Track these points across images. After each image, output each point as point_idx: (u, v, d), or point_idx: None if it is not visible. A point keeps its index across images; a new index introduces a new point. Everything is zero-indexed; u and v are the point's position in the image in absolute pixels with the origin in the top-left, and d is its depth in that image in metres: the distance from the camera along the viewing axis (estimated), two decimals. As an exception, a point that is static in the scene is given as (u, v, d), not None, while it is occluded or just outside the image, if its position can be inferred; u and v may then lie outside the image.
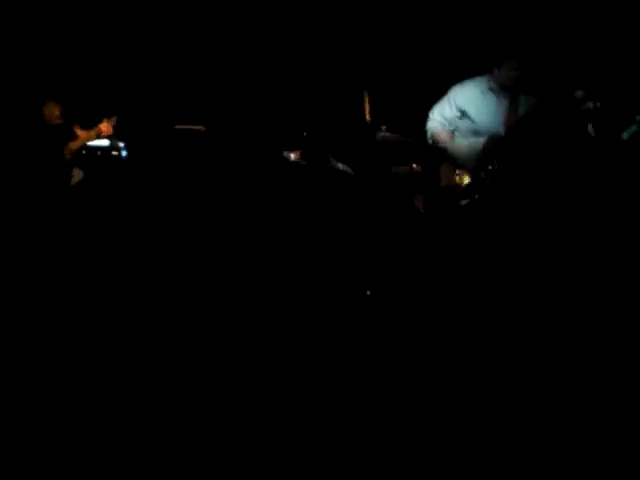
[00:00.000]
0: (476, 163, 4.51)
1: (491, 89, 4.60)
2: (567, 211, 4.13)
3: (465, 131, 4.66)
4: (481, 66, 4.68)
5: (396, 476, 1.97)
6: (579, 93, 4.71)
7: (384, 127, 5.32)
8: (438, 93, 4.80)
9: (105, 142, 4.82)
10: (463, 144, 4.66)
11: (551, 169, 4.27)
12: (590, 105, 4.68)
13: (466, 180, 4.58)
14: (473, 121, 4.61)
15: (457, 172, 4.63)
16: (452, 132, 4.69)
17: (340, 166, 5.06)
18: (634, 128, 4.52)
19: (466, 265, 4.08)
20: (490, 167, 4.39)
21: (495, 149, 4.48)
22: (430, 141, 4.78)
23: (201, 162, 4.72)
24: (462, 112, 4.63)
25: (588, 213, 4.09)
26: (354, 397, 2.18)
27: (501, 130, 4.56)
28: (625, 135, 4.52)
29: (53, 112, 4.54)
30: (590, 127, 4.44)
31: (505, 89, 4.57)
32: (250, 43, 5.38)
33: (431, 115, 4.77)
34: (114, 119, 4.68)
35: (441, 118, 4.72)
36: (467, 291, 3.60)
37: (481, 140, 4.57)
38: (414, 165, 5.19)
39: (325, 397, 2.14)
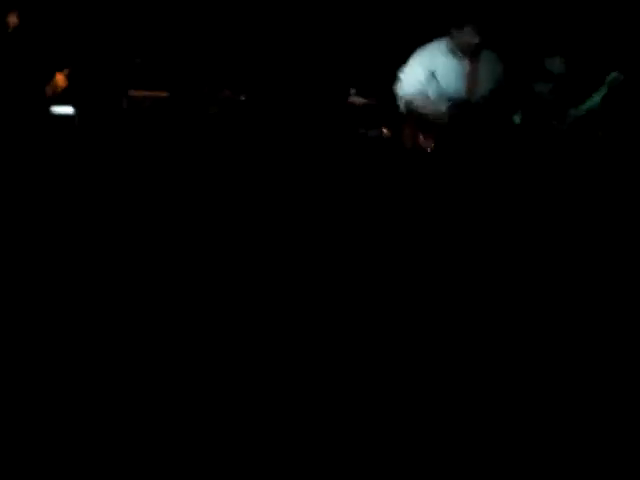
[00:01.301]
0: (440, 128, 4.51)
1: (452, 51, 4.59)
2: (534, 179, 4.15)
3: (434, 93, 4.64)
4: (442, 27, 4.66)
5: (396, 476, 1.98)
6: (548, 61, 4.73)
7: (353, 90, 5.30)
8: (403, 55, 4.75)
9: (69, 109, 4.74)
10: (435, 107, 4.62)
11: (515, 138, 4.29)
12: (556, 69, 4.70)
13: (430, 144, 4.58)
14: (440, 84, 4.59)
15: (422, 136, 4.61)
16: (427, 95, 4.65)
17: None
18: (604, 90, 4.54)
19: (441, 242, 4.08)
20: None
21: (458, 115, 4.48)
22: (402, 106, 4.73)
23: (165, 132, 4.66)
24: (432, 74, 4.59)
25: (556, 185, 4.12)
26: (354, 397, 2.17)
27: (463, 95, 4.55)
28: (596, 98, 4.53)
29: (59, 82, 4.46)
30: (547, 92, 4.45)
31: (465, 53, 4.56)
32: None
33: (403, 78, 4.68)
34: (67, 71, 4.60)
35: (414, 81, 4.64)
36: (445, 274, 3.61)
37: (446, 103, 4.56)
38: (384, 129, 5.17)
39: (325, 397, 2.13)
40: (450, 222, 4.11)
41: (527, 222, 3.94)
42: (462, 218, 4.10)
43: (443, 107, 4.55)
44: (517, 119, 4.69)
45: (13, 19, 4.54)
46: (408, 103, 4.63)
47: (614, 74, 4.48)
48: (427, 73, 4.59)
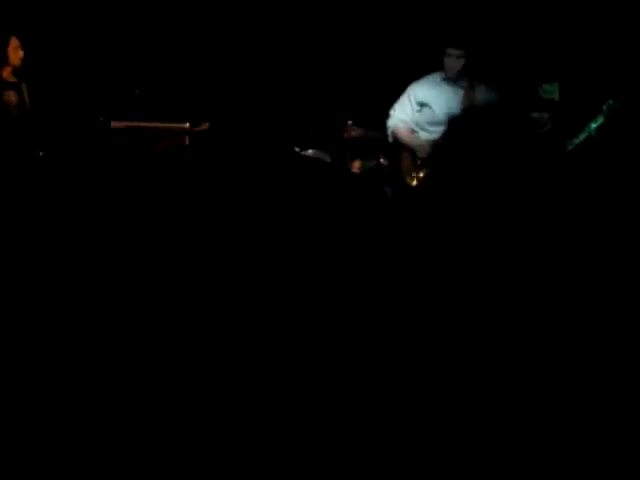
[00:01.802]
0: (435, 154, 4.52)
1: (445, 79, 4.67)
2: (530, 202, 4.10)
3: (425, 123, 4.73)
4: (437, 61, 4.73)
5: (396, 476, 1.94)
6: (545, 87, 4.74)
7: (350, 122, 5.34)
8: (401, 87, 4.83)
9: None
10: (423, 138, 4.68)
11: (511, 160, 4.25)
12: (554, 96, 4.70)
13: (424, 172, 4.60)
14: (433, 111, 4.67)
15: (417, 164, 4.65)
16: (412, 130, 4.73)
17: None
18: (601, 119, 4.52)
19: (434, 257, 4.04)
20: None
21: (454, 139, 4.47)
22: (391, 139, 4.83)
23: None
24: (421, 104, 4.69)
25: (552, 204, 4.06)
26: (354, 397, 2.14)
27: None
28: (592, 126, 4.52)
29: (12, 100, 4.45)
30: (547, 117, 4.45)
31: (460, 79, 4.63)
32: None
33: (392, 112, 4.83)
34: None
35: (401, 115, 4.79)
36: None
37: (441, 129, 4.58)
38: (382, 159, 5.20)
39: (325, 397, 2.10)
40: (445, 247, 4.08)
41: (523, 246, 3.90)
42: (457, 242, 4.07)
43: (436, 134, 4.58)
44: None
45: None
46: (394, 135, 4.73)
47: (610, 102, 4.48)
48: (417, 105, 4.69)
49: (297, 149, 5.28)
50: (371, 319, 2.52)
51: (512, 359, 2.39)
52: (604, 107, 4.49)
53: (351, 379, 2.15)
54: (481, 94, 4.62)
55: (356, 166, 5.25)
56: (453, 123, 4.31)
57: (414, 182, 4.60)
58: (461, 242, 2.94)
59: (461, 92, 4.63)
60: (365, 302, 2.57)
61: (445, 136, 4.54)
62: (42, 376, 2.13)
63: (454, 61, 4.58)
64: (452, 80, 4.63)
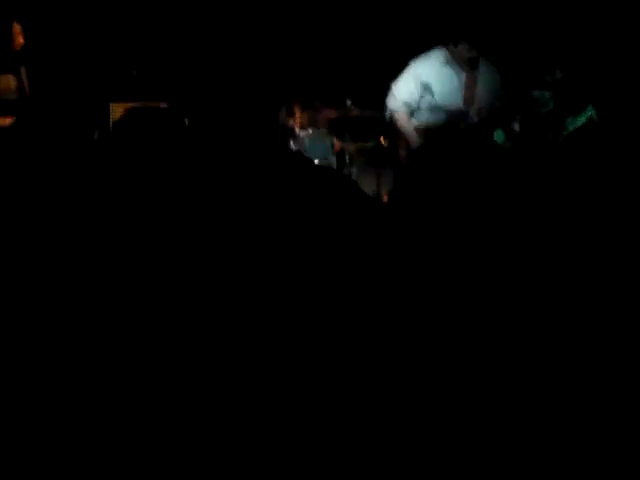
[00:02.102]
0: (430, 141, 4.48)
1: (449, 62, 4.55)
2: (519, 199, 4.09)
3: (426, 109, 4.59)
4: (438, 37, 4.63)
5: (396, 476, 1.96)
6: (546, 70, 4.70)
7: (349, 101, 5.31)
8: (401, 64, 4.72)
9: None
10: (419, 122, 4.59)
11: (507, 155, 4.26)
12: (554, 78, 4.66)
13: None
14: (434, 96, 4.55)
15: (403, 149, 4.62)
16: (412, 114, 4.61)
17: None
18: (583, 120, 4.46)
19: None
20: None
21: (457, 123, 4.46)
22: (388, 118, 4.72)
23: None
24: (425, 87, 4.55)
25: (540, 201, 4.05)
26: (354, 397, 2.15)
27: (461, 106, 4.53)
28: (569, 126, 4.47)
29: (10, 85, 4.44)
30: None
31: (463, 64, 4.52)
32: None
33: (395, 91, 4.65)
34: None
35: (405, 96, 4.60)
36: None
37: (443, 117, 4.53)
38: (382, 139, 5.17)
39: (325, 397, 2.10)
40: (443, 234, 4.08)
41: (521, 234, 3.90)
42: (455, 230, 4.06)
43: (440, 118, 4.53)
44: (516, 127, 4.65)
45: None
46: (391, 116, 4.62)
47: (591, 108, 4.43)
48: (420, 86, 4.55)
49: (296, 130, 5.26)
50: (370, 317, 2.53)
51: (512, 359, 2.40)
52: (588, 109, 4.44)
53: (351, 379, 2.16)
54: (484, 77, 4.54)
55: (355, 146, 5.23)
56: (457, 114, 4.29)
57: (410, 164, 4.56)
58: (460, 236, 2.94)
59: (463, 76, 4.54)
60: (363, 299, 2.58)
61: (447, 127, 4.52)
62: (42, 376, 2.13)
63: (464, 51, 4.46)
64: (456, 64, 4.51)
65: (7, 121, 4.43)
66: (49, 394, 2.05)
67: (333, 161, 5.27)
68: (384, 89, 4.77)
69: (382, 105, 4.84)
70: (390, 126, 4.74)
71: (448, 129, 4.46)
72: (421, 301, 2.55)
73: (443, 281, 2.59)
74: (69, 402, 2.02)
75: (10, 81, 4.45)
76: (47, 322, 2.34)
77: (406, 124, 4.57)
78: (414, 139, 4.51)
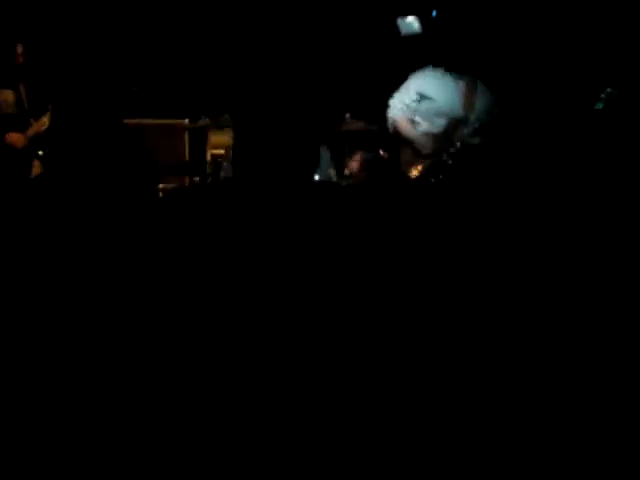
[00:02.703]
0: (436, 147, 4.51)
1: (449, 72, 4.62)
2: (535, 195, 4.11)
3: (426, 114, 4.64)
4: (441, 55, 4.69)
5: (396, 476, 1.94)
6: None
7: (348, 114, 5.33)
8: (400, 79, 4.79)
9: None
10: (422, 129, 4.64)
11: (515, 152, 4.27)
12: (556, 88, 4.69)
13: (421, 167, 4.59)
14: (433, 102, 4.60)
15: (417, 157, 4.63)
16: (412, 120, 4.67)
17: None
18: (600, 106, 4.51)
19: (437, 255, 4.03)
20: (452, 150, 4.40)
21: (456, 132, 4.48)
22: (391, 129, 4.77)
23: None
24: (421, 95, 4.62)
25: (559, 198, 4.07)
26: (354, 397, 2.13)
27: (461, 112, 4.56)
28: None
29: (7, 99, 4.44)
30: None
31: (463, 72, 4.59)
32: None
33: (391, 103, 4.74)
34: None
35: (401, 105, 4.68)
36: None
37: (443, 123, 4.56)
38: (381, 151, 5.19)
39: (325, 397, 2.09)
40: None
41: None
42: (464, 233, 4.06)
43: (440, 124, 4.56)
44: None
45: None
46: (393, 126, 4.68)
47: (609, 90, 4.46)
48: (415, 95, 4.62)
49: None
50: (370, 318, 2.52)
51: (512, 359, 2.39)
52: (603, 95, 4.48)
53: (351, 379, 2.15)
54: (484, 88, 4.60)
55: (355, 160, 5.24)
56: (457, 119, 4.31)
57: (414, 174, 4.58)
58: (464, 238, 2.93)
59: (462, 84, 4.60)
60: (364, 302, 2.57)
61: (449, 131, 4.55)
62: (42, 376, 2.12)
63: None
64: (454, 73, 4.59)
65: (10, 136, 4.45)
66: (49, 394, 2.04)
67: (332, 174, 5.28)
68: (383, 102, 4.83)
69: (380, 118, 4.89)
70: (392, 137, 4.79)
71: (450, 135, 4.49)
72: (424, 301, 2.55)
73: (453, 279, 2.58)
74: (69, 402, 2.01)
75: (8, 96, 4.46)
76: (47, 322, 2.33)
77: (410, 132, 4.62)
78: (421, 145, 4.56)
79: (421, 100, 4.60)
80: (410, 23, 4.86)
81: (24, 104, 4.54)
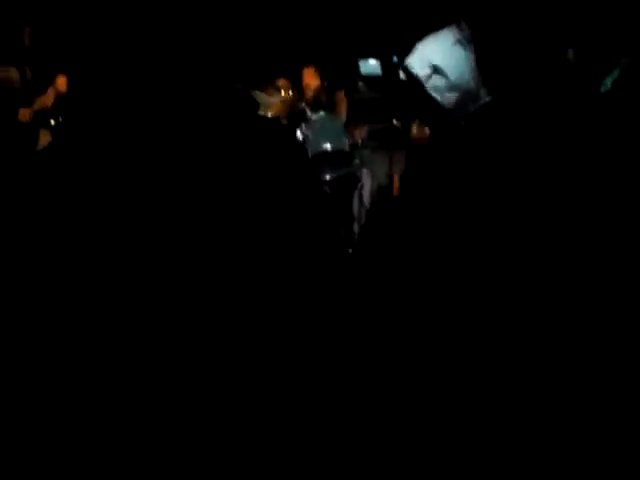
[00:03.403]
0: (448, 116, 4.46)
1: (459, 41, 4.52)
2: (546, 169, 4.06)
3: (438, 89, 4.58)
4: (448, 15, 4.59)
5: (396, 476, 1.95)
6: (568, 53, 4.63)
7: (361, 84, 5.27)
8: (410, 43, 4.70)
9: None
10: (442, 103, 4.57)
11: (529, 121, 4.21)
12: (569, 56, 4.59)
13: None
14: (446, 76, 4.53)
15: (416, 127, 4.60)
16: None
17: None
18: (615, 74, 4.42)
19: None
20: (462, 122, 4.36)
21: (468, 103, 4.42)
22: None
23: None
24: (433, 68, 4.54)
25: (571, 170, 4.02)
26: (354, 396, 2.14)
27: (472, 85, 4.48)
28: (608, 82, 4.43)
29: (12, 76, 4.45)
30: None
31: (472, 42, 4.49)
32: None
33: (402, 69, 4.66)
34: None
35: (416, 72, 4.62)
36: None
37: (453, 98, 4.49)
38: (394, 121, 5.14)
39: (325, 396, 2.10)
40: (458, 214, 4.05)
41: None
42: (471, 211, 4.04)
43: (452, 98, 4.49)
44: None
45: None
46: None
47: (625, 59, 4.38)
48: (429, 69, 4.55)
49: (308, 113, 5.24)
50: (370, 314, 2.50)
51: (512, 359, 2.37)
52: (619, 63, 4.40)
53: (351, 379, 2.14)
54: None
55: (362, 130, 5.20)
56: (470, 92, 4.24)
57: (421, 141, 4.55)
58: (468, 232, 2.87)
59: (473, 57, 4.50)
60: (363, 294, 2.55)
61: (460, 103, 4.48)
62: (42, 376, 2.13)
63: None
64: (466, 42, 4.49)
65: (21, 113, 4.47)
66: (49, 393, 2.05)
67: (345, 144, 5.24)
68: (396, 67, 4.76)
69: (395, 85, 4.83)
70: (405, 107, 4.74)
71: (461, 108, 4.43)
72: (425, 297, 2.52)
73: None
74: (69, 400, 2.01)
75: (12, 73, 4.47)
76: (47, 321, 2.33)
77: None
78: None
79: (433, 74, 4.52)
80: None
81: (29, 80, 4.55)
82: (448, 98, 4.49)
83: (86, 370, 2.13)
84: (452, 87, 4.47)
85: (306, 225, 3.63)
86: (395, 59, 4.70)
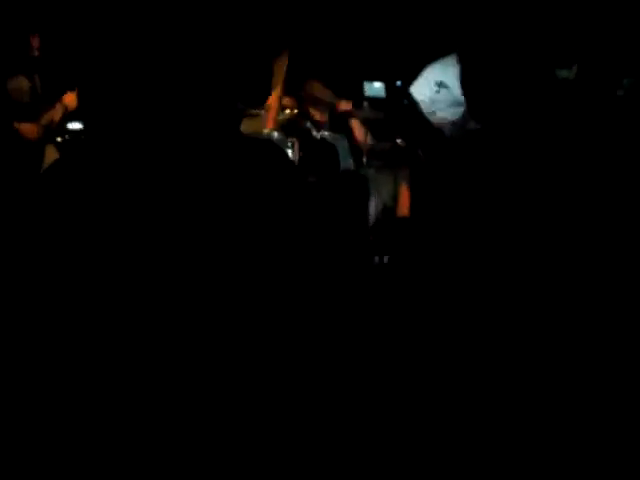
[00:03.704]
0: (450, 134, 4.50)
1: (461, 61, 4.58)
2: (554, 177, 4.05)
3: (445, 104, 4.65)
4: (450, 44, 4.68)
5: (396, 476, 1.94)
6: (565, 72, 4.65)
7: (366, 103, 5.31)
8: (416, 69, 4.79)
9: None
10: (439, 118, 4.63)
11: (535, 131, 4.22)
12: (571, 72, 4.62)
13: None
14: (450, 91, 4.59)
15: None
16: (431, 112, 4.66)
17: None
18: (621, 93, 4.44)
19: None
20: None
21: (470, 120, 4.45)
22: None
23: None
24: (439, 84, 4.62)
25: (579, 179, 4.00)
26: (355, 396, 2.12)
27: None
28: (620, 91, 4.42)
29: (22, 87, 4.47)
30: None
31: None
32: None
33: (412, 91, 4.75)
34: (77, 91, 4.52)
35: (421, 97, 4.69)
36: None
37: (459, 111, 4.53)
38: (398, 140, 5.17)
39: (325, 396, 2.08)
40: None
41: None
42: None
43: (457, 112, 4.53)
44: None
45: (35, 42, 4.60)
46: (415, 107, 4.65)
47: (628, 80, 4.39)
48: (435, 85, 4.62)
49: (314, 132, 5.27)
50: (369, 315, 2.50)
51: (512, 359, 2.36)
52: (624, 82, 4.41)
53: (350, 378, 2.13)
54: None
55: (369, 146, 5.23)
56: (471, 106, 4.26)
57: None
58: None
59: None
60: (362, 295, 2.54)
61: (461, 118, 4.51)
62: (41, 374, 2.12)
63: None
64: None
65: (22, 125, 4.48)
66: (48, 393, 2.04)
67: (351, 163, 5.27)
68: (400, 91, 4.83)
69: (399, 107, 4.88)
70: (411, 123, 4.79)
71: (464, 125, 4.46)
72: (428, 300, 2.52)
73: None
74: (68, 401, 2.01)
75: (23, 83, 4.48)
76: (47, 319, 2.33)
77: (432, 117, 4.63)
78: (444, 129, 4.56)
79: (439, 90, 4.59)
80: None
81: (38, 92, 4.56)
82: (454, 113, 4.54)
83: (86, 370, 2.12)
84: (457, 102, 4.52)
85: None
86: (399, 83, 4.79)
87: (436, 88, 4.64)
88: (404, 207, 5.08)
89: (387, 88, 5.14)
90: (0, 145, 4.28)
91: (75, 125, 4.72)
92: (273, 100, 4.86)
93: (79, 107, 4.53)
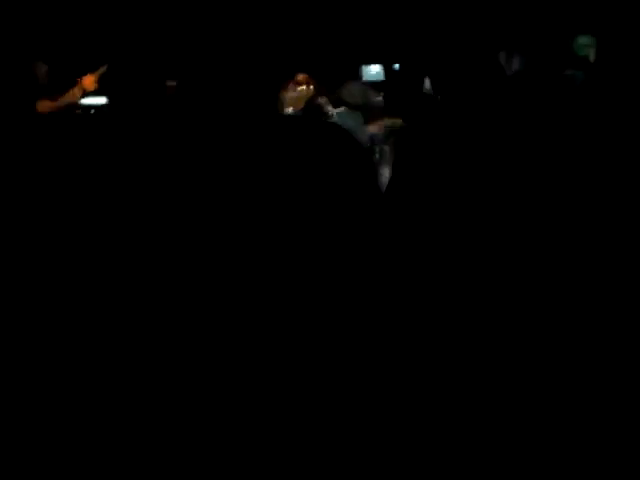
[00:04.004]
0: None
1: None
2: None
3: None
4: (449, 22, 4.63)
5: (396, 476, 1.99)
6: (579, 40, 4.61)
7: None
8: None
9: (101, 100, 4.80)
10: None
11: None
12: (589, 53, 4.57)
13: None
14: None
15: None
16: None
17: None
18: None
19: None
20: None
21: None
22: None
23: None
24: None
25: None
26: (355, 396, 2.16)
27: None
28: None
29: (41, 71, 4.52)
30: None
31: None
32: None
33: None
34: (99, 72, 4.62)
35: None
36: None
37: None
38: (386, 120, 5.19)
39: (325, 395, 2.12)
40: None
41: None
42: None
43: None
44: None
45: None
46: None
47: (579, 72, 4.32)
48: None
49: (329, 109, 5.27)
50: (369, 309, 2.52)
51: (511, 357, 2.38)
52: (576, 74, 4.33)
53: (350, 378, 2.16)
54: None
55: (386, 125, 5.23)
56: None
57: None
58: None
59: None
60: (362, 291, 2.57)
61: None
62: (41, 374, 2.17)
63: None
64: None
65: (41, 103, 4.53)
66: (48, 392, 2.09)
67: (364, 139, 5.27)
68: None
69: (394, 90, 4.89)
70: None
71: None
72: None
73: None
74: (69, 400, 2.05)
75: (43, 68, 4.54)
76: (47, 318, 2.37)
77: None
78: None
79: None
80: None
81: (55, 76, 4.62)
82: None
83: (86, 370, 2.17)
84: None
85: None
86: (396, 66, 4.79)
87: None
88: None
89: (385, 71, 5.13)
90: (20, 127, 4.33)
91: (89, 100, 4.78)
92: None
93: (98, 89, 4.58)
